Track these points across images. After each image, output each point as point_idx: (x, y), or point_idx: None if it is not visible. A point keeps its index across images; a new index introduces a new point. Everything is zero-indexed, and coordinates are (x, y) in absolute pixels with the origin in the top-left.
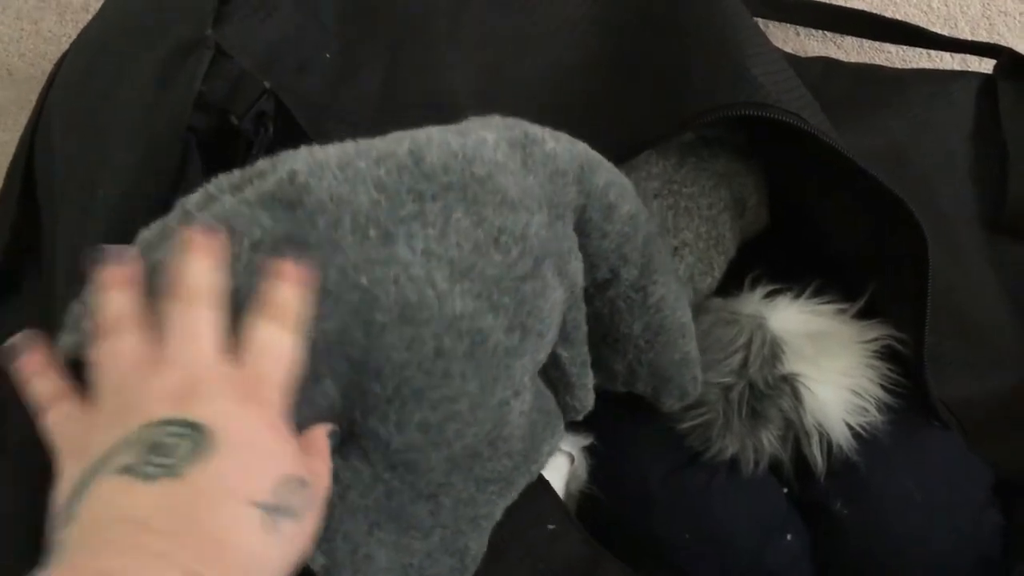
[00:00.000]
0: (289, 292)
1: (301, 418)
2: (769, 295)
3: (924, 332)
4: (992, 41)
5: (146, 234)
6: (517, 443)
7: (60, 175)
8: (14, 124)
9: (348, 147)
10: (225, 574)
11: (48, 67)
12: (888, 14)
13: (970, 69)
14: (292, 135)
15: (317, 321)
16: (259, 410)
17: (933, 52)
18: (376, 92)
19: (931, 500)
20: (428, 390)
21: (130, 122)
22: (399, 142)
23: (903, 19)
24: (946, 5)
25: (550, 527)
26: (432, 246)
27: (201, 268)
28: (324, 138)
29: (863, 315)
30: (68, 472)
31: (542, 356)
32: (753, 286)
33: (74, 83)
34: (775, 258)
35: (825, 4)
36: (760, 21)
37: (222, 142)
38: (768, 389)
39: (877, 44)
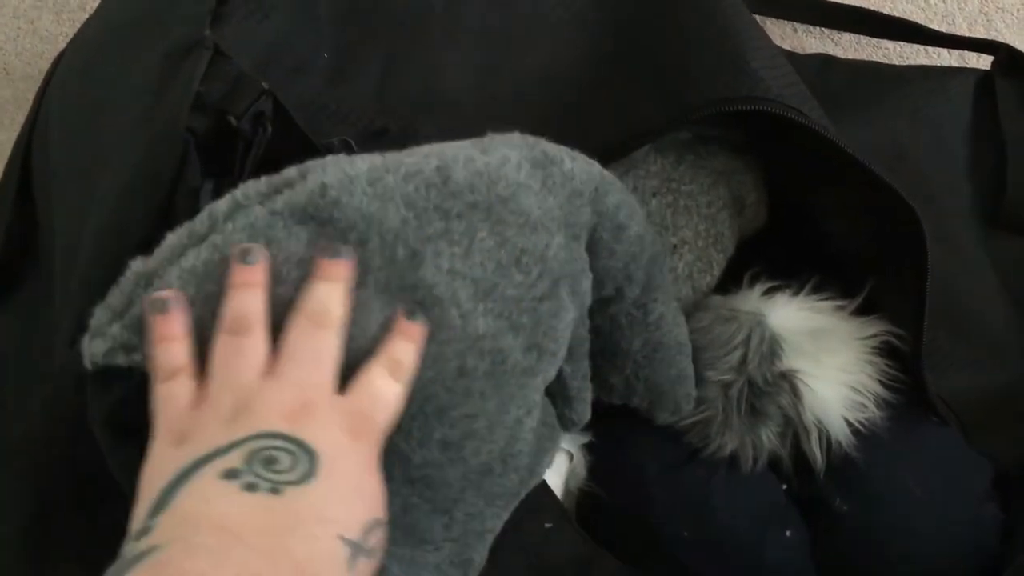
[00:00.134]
0: (407, 348)
1: None
2: (768, 292)
3: (923, 328)
4: (990, 37)
5: (173, 239)
6: (525, 458)
7: (57, 175)
8: (11, 123)
9: (377, 160)
10: None
11: (45, 66)
12: (886, 10)
13: (968, 65)
14: (290, 135)
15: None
16: (364, 448)
17: (931, 48)
18: (373, 92)
19: (930, 495)
20: (450, 408)
21: (128, 123)
22: (427, 158)
23: (901, 15)
24: (943, 2)
25: (547, 525)
26: (457, 265)
27: (334, 295)
28: (322, 138)
29: (862, 311)
30: (160, 451)
31: (552, 374)
32: (752, 283)
33: (71, 83)
34: (774, 255)
35: (823, 1)
36: (758, 18)
37: (220, 143)
38: (767, 386)
39: (875, 41)
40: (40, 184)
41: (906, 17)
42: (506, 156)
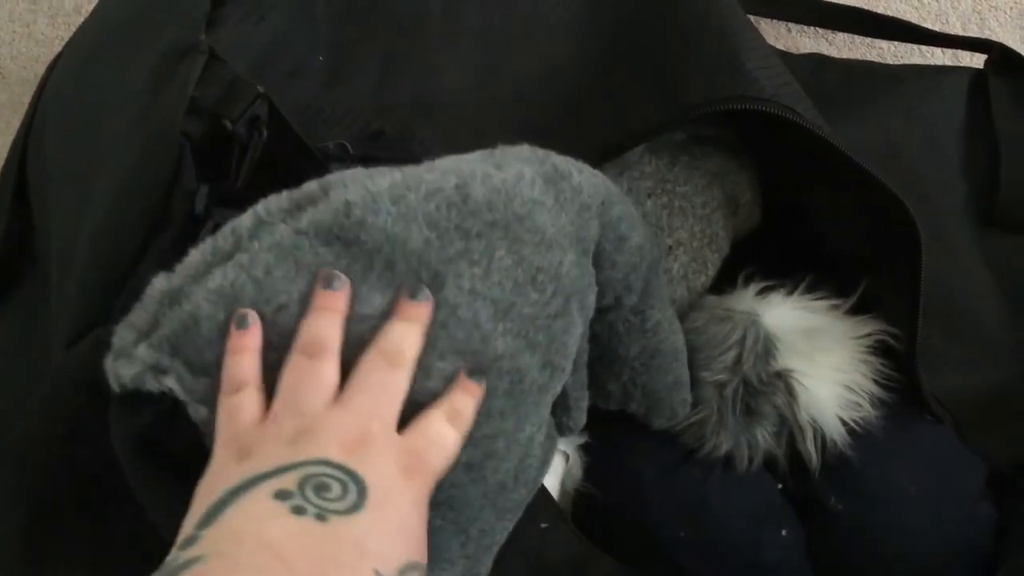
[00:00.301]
0: (467, 401)
1: None
2: (762, 292)
3: (917, 327)
4: (983, 36)
5: (196, 256)
6: (534, 472)
7: (53, 178)
8: (7, 127)
9: (398, 177)
10: None
11: (41, 70)
12: (880, 10)
13: (961, 64)
14: (286, 139)
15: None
16: (415, 488)
17: (924, 48)
18: (370, 94)
19: (924, 494)
20: (473, 430)
21: (123, 127)
22: (446, 176)
23: (894, 15)
24: (937, 0)
25: (543, 526)
26: (477, 285)
27: (410, 335)
28: (318, 141)
29: (856, 310)
30: (220, 464)
31: (559, 389)
32: (746, 283)
33: (67, 87)
34: (768, 255)
35: (817, 1)
36: (752, 18)
37: (216, 147)
38: (762, 385)
39: (869, 40)
40: (36, 187)
41: (900, 16)
42: (521, 172)
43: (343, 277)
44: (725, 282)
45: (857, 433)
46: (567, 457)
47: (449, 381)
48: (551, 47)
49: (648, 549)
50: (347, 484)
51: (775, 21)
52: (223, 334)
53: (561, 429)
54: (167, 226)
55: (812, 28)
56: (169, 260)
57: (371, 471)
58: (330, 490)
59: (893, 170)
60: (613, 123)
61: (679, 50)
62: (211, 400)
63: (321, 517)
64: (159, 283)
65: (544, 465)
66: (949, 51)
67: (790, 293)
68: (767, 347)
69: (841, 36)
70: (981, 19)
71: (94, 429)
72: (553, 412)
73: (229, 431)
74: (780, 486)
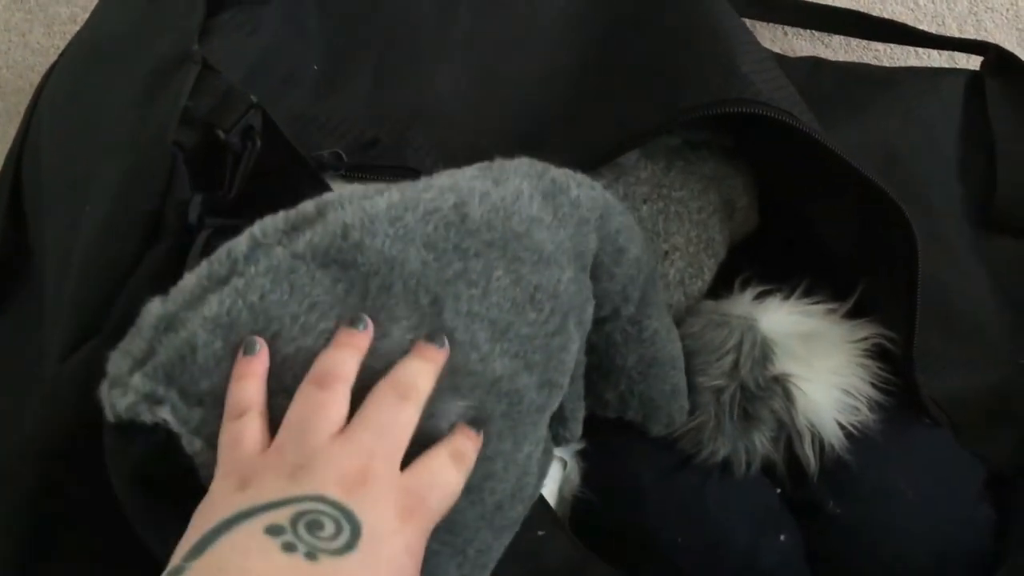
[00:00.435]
0: (470, 445)
1: None
2: (759, 296)
3: (914, 330)
4: (979, 37)
5: (192, 280)
6: (531, 488)
7: (48, 189)
8: (2, 136)
9: (395, 197)
10: None
11: (36, 79)
12: (876, 12)
13: (958, 66)
14: (279, 148)
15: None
16: (411, 531)
17: (921, 50)
18: (364, 103)
19: (923, 497)
20: None
21: (116, 137)
22: (444, 195)
23: (891, 17)
24: (933, 2)
25: (540, 533)
26: (475, 307)
27: (424, 372)
28: (312, 150)
29: (853, 314)
30: (219, 492)
31: (557, 405)
32: (743, 288)
33: (61, 97)
34: (765, 258)
35: (813, 3)
36: (748, 21)
37: (209, 157)
38: (759, 390)
39: (865, 43)
40: (31, 197)
41: (896, 18)
42: (519, 188)
43: (367, 319)
44: (722, 287)
45: (855, 437)
46: (565, 464)
47: (448, 415)
48: (544, 53)
49: (646, 555)
50: (341, 523)
51: (771, 24)
52: (219, 363)
53: (558, 440)
54: (161, 236)
55: (808, 31)
56: (162, 271)
57: (368, 511)
58: (323, 528)
59: (890, 172)
60: (608, 127)
61: (674, 54)
62: (204, 431)
63: (311, 556)
64: (154, 308)
65: (541, 479)
66: (945, 53)
67: (787, 297)
68: (764, 352)
69: (837, 39)
70: (977, 21)
71: (87, 443)
72: (550, 424)
73: (230, 458)
74: (778, 490)
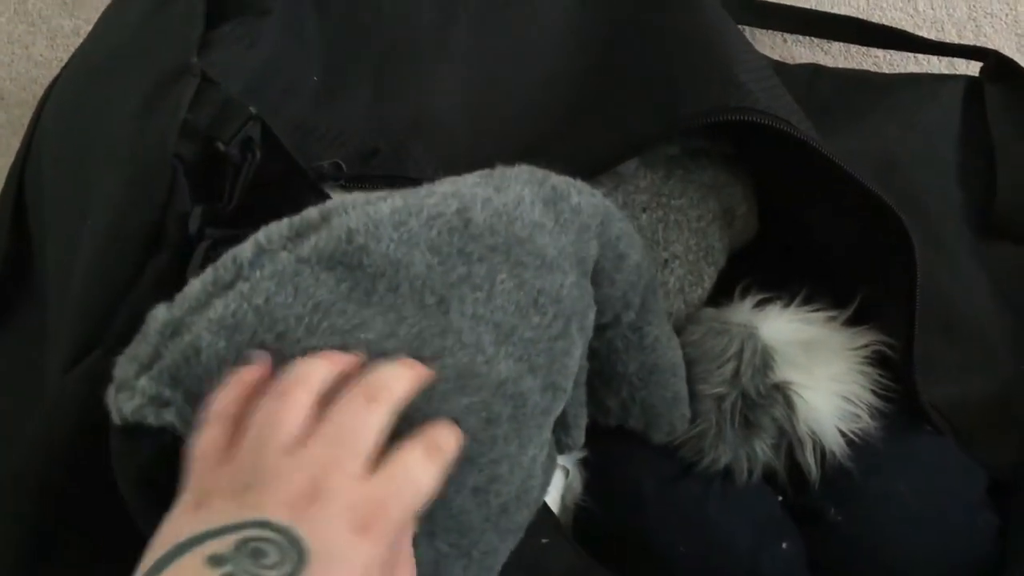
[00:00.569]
0: (449, 434)
1: None
2: (759, 304)
3: (914, 337)
4: (979, 42)
5: (197, 286)
6: (536, 492)
7: (50, 202)
8: (6, 148)
9: (399, 203)
10: None
11: (39, 91)
12: (875, 19)
13: (957, 72)
14: (279, 159)
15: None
16: (369, 546)
17: (920, 56)
18: (363, 113)
19: (925, 504)
20: (479, 456)
21: (117, 150)
22: (446, 200)
23: (890, 24)
24: (932, 8)
25: (543, 541)
26: (480, 310)
27: (401, 375)
28: (313, 160)
29: (853, 321)
30: (177, 513)
31: (561, 409)
32: (743, 296)
33: (63, 110)
34: (764, 264)
35: (811, 10)
36: (747, 28)
37: (209, 168)
38: (760, 398)
39: (864, 49)
40: (34, 209)
41: (895, 25)
42: (520, 195)
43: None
44: (722, 295)
45: (856, 444)
46: (567, 472)
47: (454, 415)
48: (543, 63)
49: (648, 563)
50: (286, 550)
51: (770, 31)
52: (223, 364)
53: (560, 447)
54: (161, 248)
55: (807, 38)
56: (164, 282)
57: (317, 532)
58: (267, 556)
59: (889, 179)
60: (607, 136)
61: (672, 63)
62: None
63: None
64: (160, 314)
65: (545, 485)
66: (945, 59)
67: (787, 305)
68: (765, 359)
69: (837, 45)
70: (976, 26)
71: (92, 454)
72: (552, 430)
73: (195, 472)
74: (780, 498)
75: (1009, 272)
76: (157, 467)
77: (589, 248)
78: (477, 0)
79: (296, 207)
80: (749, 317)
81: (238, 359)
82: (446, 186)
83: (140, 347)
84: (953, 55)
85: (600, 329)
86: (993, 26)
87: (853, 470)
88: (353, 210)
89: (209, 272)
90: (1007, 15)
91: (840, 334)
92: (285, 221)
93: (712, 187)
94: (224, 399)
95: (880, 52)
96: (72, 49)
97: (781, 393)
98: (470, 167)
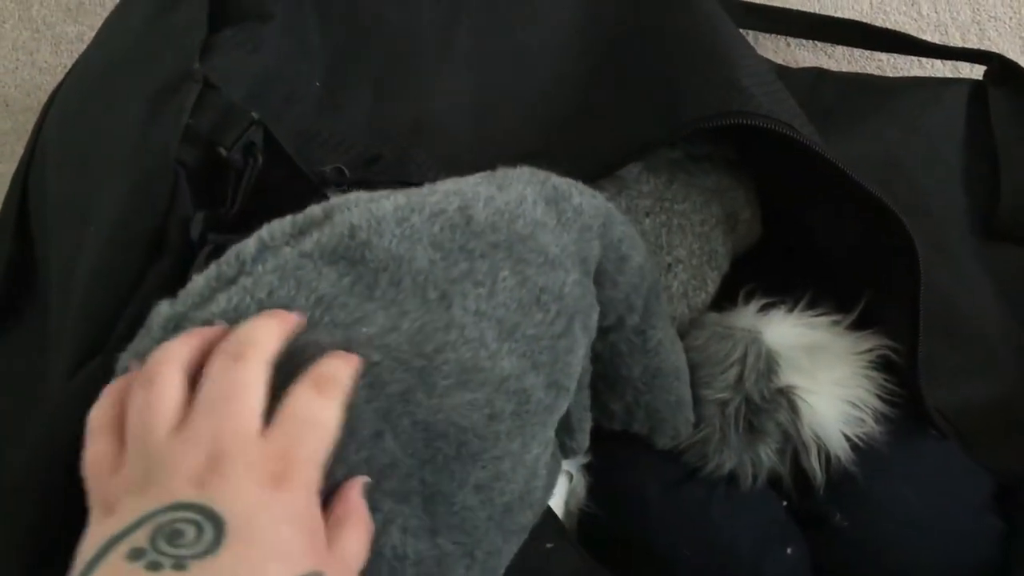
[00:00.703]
0: (338, 364)
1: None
2: (763, 308)
3: (918, 341)
4: (983, 46)
5: (200, 282)
6: (539, 493)
7: (53, 207)
8: (11, 154)
9: (401, 200)
10: None
11: (43, 98)
12: (878, 22)
13: (961, 76)
14: (282, 165)
15: (381, 386)
16: (284, 496)
17: (924, 60)
18: (366, 119)
19: (930, 508)
20: (482, 452)
21: (119, 155)
22: (448, 198)
23: (894, 27)
24: (936, 12)
25: (548, 545)
26: (482, 306)
27: (261, 325)
28: (315, 166)
29: (857, 325)
30: (91, 524)
31: (564, 409)
32: (747, 300)
33: (66, 116)
34: (768, 268)
35: (815, 14)
36: (750, 32)
37: (211, 174)
38: (764, 403)
39: (868, 53)
40: (37, 215)
41: (899, 29)
42: (522, 193)
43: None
44: (725, 299)
45: (861, 449)
46: (571, 477)
47: (458, 408)
48: (545, 67)
49: (652, 567)
50: (200, 524)
51: (774, 35)
52: None
53: (565, 451)
54: (163, 253)
55: (811, 42)
56: (166, 287)
57: (226, 499)
58: (183, 535)
59: (893, 183)
60: (609, 140)
61: (674, 67)
62: None
63: (180, 566)
64: (163, 309)
65: (549, 487)
66: (949, 63)
67: (791, 309)
68: (769, 364)
69: (840, 49)
70: (980, 30)
71: None
72: (556, 434)
73: (92, 485)
74: (784, 503)
75: (1013, 275)
76: None
77: (591, 248)
78: (478, 4)
79: (299, 212)
80: (753, 321)
81: None
82: (448, 185)
83: (143, 342)
84: (957, 59)
85: (603, 332)
86: (997, 30)
87: (858, 474)
88: (356, 207)
89: (212, 268)
90: (1011, 19)
91: (844, 338)
92: (288, 218)
93: (715, 191)
94: (97, 412)
95: (884, 56)
96: (76, 55)
97: (785, 398)
98: (472, 171)
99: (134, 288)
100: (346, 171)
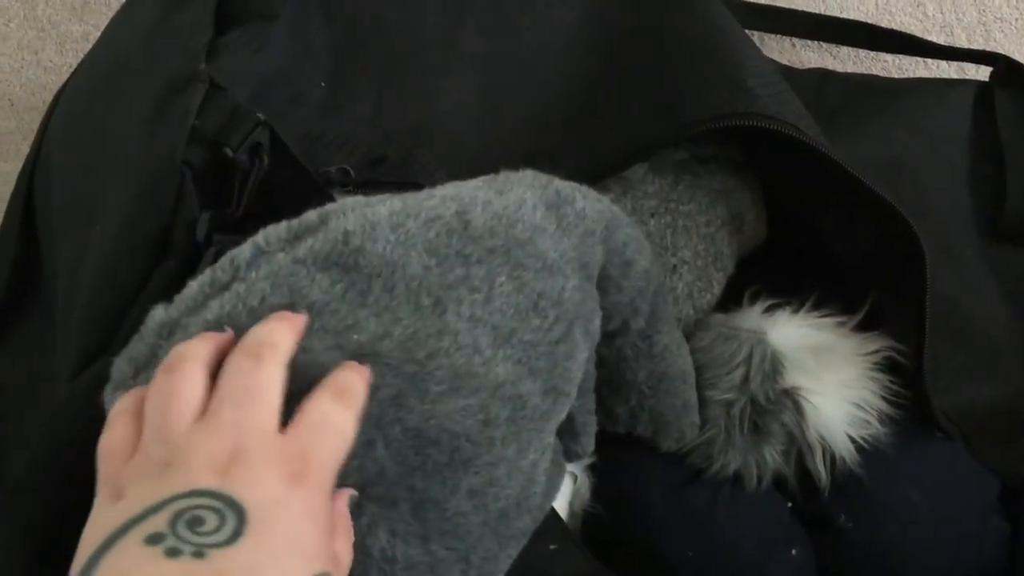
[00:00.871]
0: (354, 376)
1: (347, 485)
2: (768, 309)
3: (924, 342)
4: (989, 47)
5: (194, 287)
6: (538, 499)
7: (58, 208)
8: (16, 154)
9: (397, 205)
10: None
11: (49, 97)
12: (884, 23)
13: (967, 77)
14: (287, 166)
15: (372, 392)
16: (305, 494)
17: (930, 61)
18: (370, 120)
19: (935, 511)
20: (475, 458)
21: (125, 156)
22: (446, 203)
23: (899, 28)
24: (942, 13)
25: (551, 547)
26: (478, 312)
27: (278, 329)
28: (320, 167)
29: (863, 327)
30: (98, 509)
31: (564, 415)
32: (752, 301)
33: (72, 116)
34: (773, 269)
35: (820, 15)
36: (755, 33)
37: (217, 175)
38: (770, 404)
39: (873, 54)
40: (42, 215)
41: (904, 29)
42: (522, 198)
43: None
44: (731, 301)
45: (866, 450)
46: (575, 478)
47: (451, 415)
48: (550, 68)
49: (656, 569)
50: (223, 512)
51: (779, 36)
52: None
53: (569, 455)
54: (169, 254)
55: (816, 43)
56: (171, 289)
57: (248, 490)
58: (204, 523)
59: (898, 184)
60: (614, 141)
61: (680, 68)
62: None
63: (199, 554)
64: (157, 315)
65: (550, 492)
66: (954, 64)
67: (796, 310)
68: (774, 365)
69: (846, 50)
70: (986, 31)
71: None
72: (561, 438)
73: (104, 470)
74: (789, 504)
75: (1018, 277)
76: None
77: (593, 253)
78: (483, 5)
79: (303, 213)
80: (758, 323)
81: None
82: (447, 189)
83: (136, 347)
84: (963, 60)
85: (609, 337)
86: (1003, 31)
87: (863, 476)
88: (351, 212)
89: (207, 273)
90: (1017, 20)
91: (850, 340)
92: (284, 223)
93: (721, 192)
94: (123, 400)
95: (889, 57)
96: (81, 55)
97: (791, 399)
98: (477, 172)
99: (139, 289)
100: (351, 172)
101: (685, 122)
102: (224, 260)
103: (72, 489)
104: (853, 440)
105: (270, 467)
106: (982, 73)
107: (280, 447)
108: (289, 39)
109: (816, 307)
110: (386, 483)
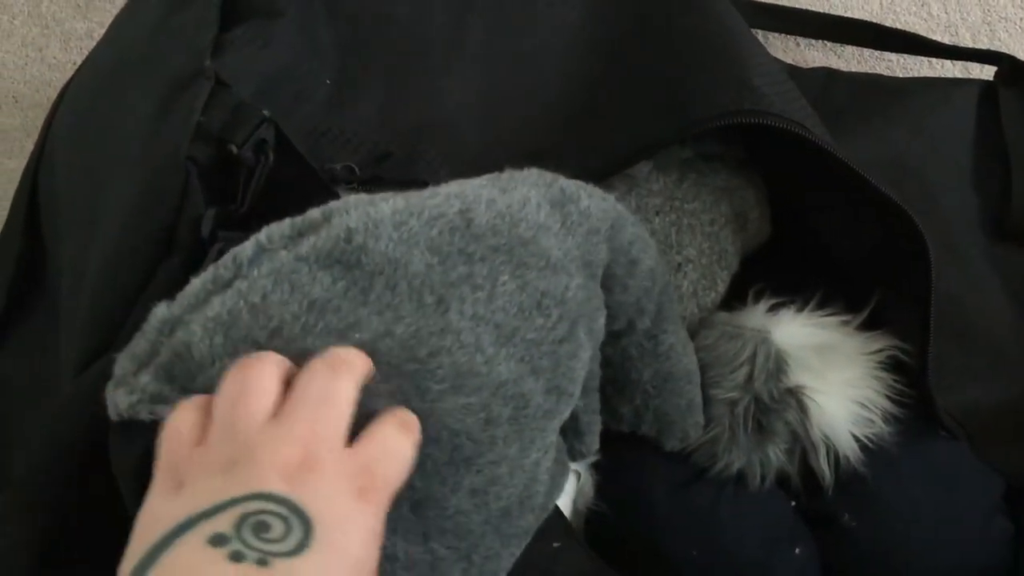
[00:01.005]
0: (413, 417)
1: None
2: (773, 308)
3: (928, 341)
4: (993, 47)
5: (197, 284)
6: (540, 498)
7: (63, 205)
8: (20, 151)
9: (399, 203)
10: None
11: (53, 94)
12: (888, 23)
13: (971, 76)
14: (292, 162)
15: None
16: (371, 510)
17: (935, 60)
18: (376, 117)
19: (939, 510)
20: (476, 456)
21: (130, 153)
22: (449, 201)
23: (904, 28)
24: (946, 12)
25: (555, 545)
26: (480, 310)
27: (354, 351)
28: (325, 163)
29: (867, 326)
30: (156, 498)
31: (567, 414)
32: (756, 300)
33: (76, 113)
34: (778, 268)
35: (825, 14)
36: (761, 32)
37: (222, 172)
38: (774, 403)
39: (878, 53)
40: (47, 212)
41: (909, 29)
42: (526, 196)
43: None
44: (735, 299)
45: (870, 449)
46: (579, 476)
47: (452, 413)
48: (555, 65)
49: (660, 567)
50: (290, 520)
51: (784, 35)
52: (217, 359)
53: (573, 454)
54: (174, 251)
55: (821, 42)
56: (176, 285)
57: (318, 501)
58: (271, 529)
59: (903, 183)
60: (619, 139)
61: (685, 66)
62: None
63: (263, 562)
64: (160, 312)
65: (553, 491)
66: (959, 63)
67: (801, 309)
68: (778, 364)
69: (850, 49)
70: (991, 31)
71: (100, 456)
72: (565, 437)
73: (166, 456)
74: (793, 503)
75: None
76: (152, 463)
77: (598, 252)
78: (487, 5)
79: (307, 210)
80: (762, 321)
81: (233, 356)
82: (451, 187)
83: (139, 344)
84: (967, 59)
85: (614, 336)
86: (1008, 30)
87: (867, 475)
88: (354, 210)
89: (210, 271)
90: (1021, 19)
91: (854, 339)
92: (287, 221)
93: (725, 191)
94: (196, 397)
95: (894, 56)
96: (86, 52)
97: (795, 398)
98: (482, 170)
99: (143, 285)
100: (356, 169)
101: (691, 120)
102: (226, 257)
103: (75, 484)
104: (857, 439)
105: (340, 479)
106: (987, 73)
107: (348, 461)
108: (294, 36)
109: (820, 306)
110: None
